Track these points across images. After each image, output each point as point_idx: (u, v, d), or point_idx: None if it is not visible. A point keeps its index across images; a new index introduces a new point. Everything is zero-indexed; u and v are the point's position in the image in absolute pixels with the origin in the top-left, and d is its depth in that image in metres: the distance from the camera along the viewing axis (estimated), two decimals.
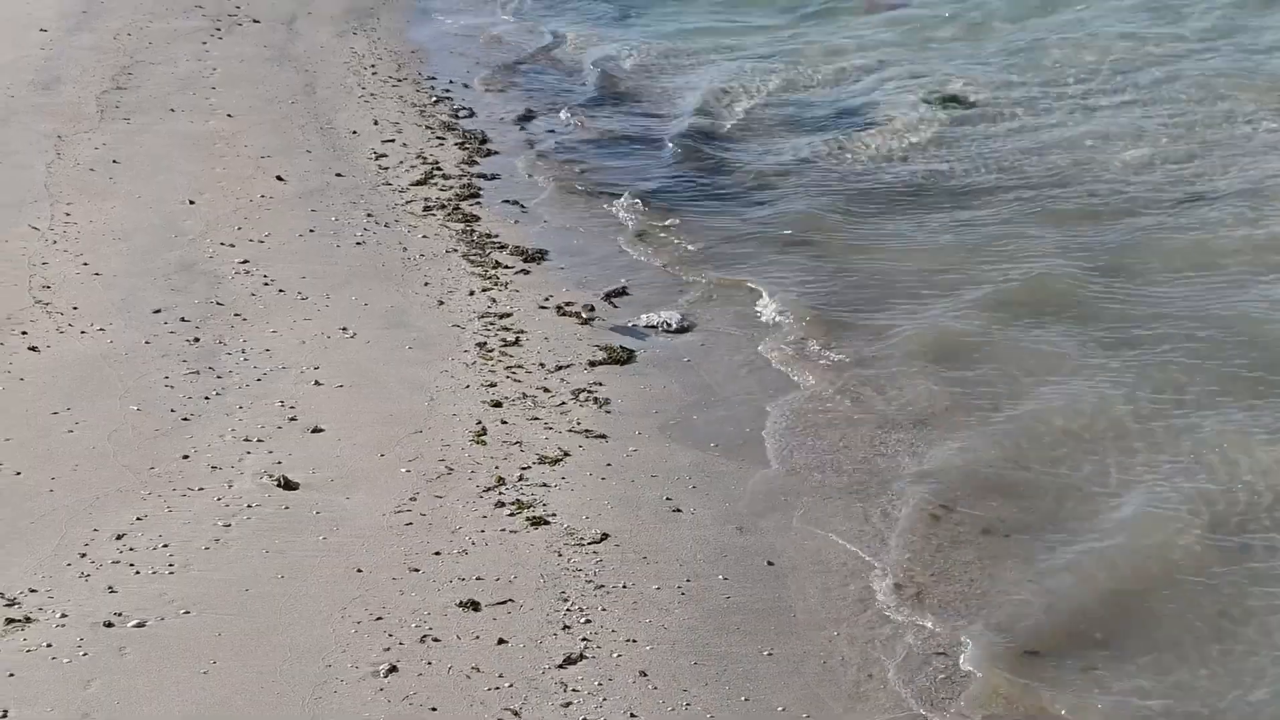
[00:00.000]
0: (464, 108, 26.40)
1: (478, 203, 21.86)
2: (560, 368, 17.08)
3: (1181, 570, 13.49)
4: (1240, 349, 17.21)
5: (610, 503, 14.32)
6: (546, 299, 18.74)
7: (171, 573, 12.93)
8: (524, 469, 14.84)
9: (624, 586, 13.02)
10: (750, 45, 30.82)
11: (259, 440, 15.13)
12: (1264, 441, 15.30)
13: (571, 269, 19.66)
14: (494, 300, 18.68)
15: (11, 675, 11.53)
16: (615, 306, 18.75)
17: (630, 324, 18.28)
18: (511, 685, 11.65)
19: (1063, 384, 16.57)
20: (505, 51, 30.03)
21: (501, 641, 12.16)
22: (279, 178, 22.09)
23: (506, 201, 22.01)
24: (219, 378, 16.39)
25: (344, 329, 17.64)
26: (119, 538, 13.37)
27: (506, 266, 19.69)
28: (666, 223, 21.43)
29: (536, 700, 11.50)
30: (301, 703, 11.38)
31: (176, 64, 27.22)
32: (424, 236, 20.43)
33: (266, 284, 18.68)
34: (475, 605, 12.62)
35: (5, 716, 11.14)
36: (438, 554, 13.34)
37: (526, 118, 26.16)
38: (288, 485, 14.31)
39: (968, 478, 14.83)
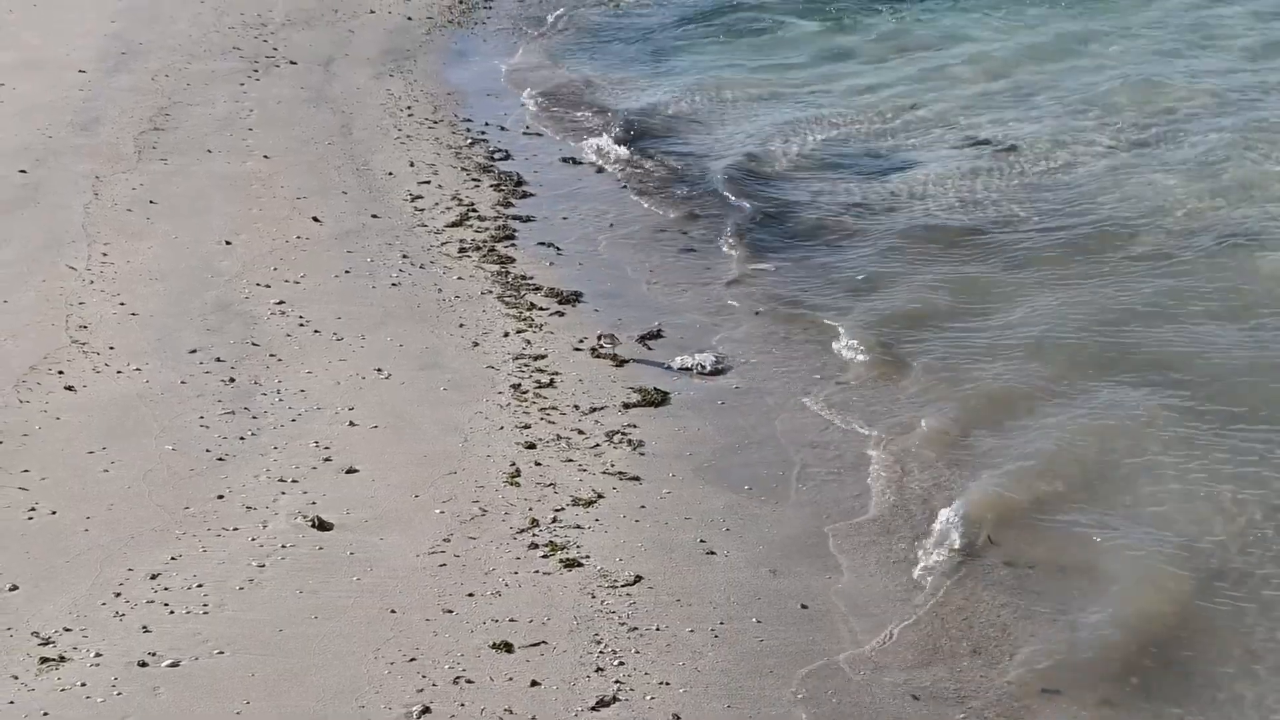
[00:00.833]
0: (500, 149, 26.46)
1: (513, 244, 21.89)
2: (594, 409, 17.08)
3: (1207, 609, 13.45)
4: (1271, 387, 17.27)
5: (644, 545, 14.30)
6: (581, 341, 18.76)
7: (206, 612, 12.95)
8: (558, 511, 14.84)
9: (657, 629, 13.00)
10: (783, 87, 30.81)
11: (293, 481, 15.16)
12: None
13: (606, 311, 19.67)
14: (528, 342, 18.70)
15: (46, 715, 11.56)
16: (650, 349, 18.75)
17: (665, 366, 18.28)
18: None
19: (1097, 423, 16.57)
20: (540, 94, 30.07)
21: (534, 684, 12.15)
22: (315, 219, 22.16)
23: (542, 243, 22.03)
24: (254, 418, 16.44)
25: (379, 370, 17.67)
26: (154, 577, 13.40)
27: (541, 308, 19.72)
28: (704, 265, 21.41)
29: None
30: None
31: (214, 105, 27.35)
32: (459, 278, 20.47)
33: (302, 324, 18.73)
34: (509, 647, 12.61)
35: None
36: (471, 595, 13.34)
37: (563, 159, 26.19)
38: (322, 526, 14.33)
39: (998, 516, 14.81)
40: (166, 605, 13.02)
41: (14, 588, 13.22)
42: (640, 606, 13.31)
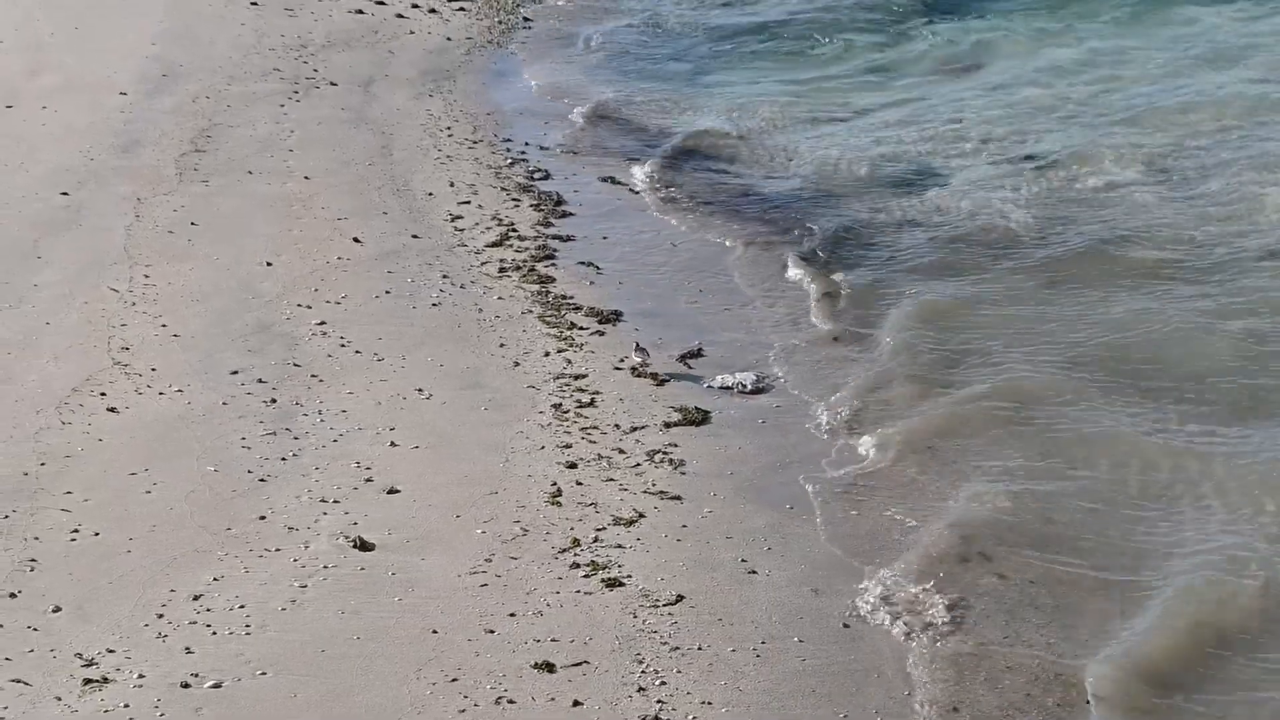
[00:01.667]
0: (539, 169, 26.46)
1: (553, 264, 21.89)
2: (635, 429, 17.07)
3: (1245, 624, 13.44)
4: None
5: (685, 564, 14.29)
6: (622, 360, 18.74)
7: (248, 633, 12.98)
8: (599, 530, 14.84)
9: (699, 648, 12.99)
10: (819, 105, 30.70)
11: (335, 501, 15.19)
12: None
13: (647, 330, 19.64)
14: (569, 361, 18.70)
15: None
16: (690, 368, 18.73)
17: (706, 385, 18.26)
18: None
19: (1126, 440, 16.59)
20: (580, 113, 30.07)
21: (577, 704, 12.15)
22: (356, 239, 22.20)
23: (582, 263, 22.02)
24: (295, 439, 16.47)
25: (420, 390, 17.69)
26: (196, 598, 13.44)
27: (582, 328, 19.72)
28: (743, 284, 21.42)
29: None
30: None
31: (255, 127, 27.42)
32: (499, 298, 20.49)
33: (343, 345, 18.76)
34: (550, 667, 12.61)
35: None
36: (513, 615, 13.34)
37: (602, 179, 26.17)
38: (364, 546, 14.35)
39: (1033, 532, 14.89)
40: (209, 626, 13.05)
41: (57, 609, 13.27)
42: (682, 626, 13.30)
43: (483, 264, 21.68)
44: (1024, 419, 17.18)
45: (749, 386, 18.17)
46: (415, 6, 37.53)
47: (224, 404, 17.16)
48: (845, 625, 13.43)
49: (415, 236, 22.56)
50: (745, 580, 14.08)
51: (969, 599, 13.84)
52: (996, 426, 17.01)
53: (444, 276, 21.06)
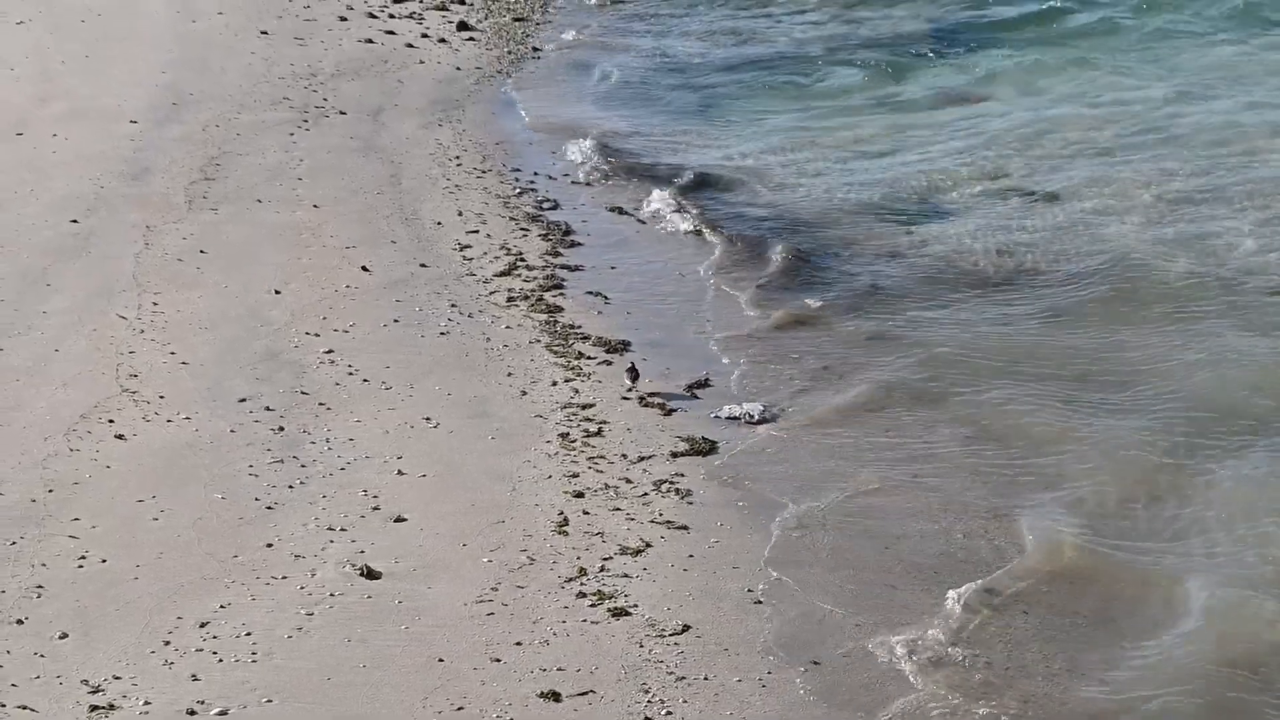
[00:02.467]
0: (548, 199, 26.51)
1: (561, 293, 21.92)
2: (642, 458, 17.09)
3: (1268, 655, 13.43)
4: None
5: (692, 594, 14.30)
6: (629, 390, 18.76)
7: (254, 661, 12.99)
8: (606, 560, 14.85)
9: (705, 678, 12.99)
10: (828, 136, 30.70)
11: (342, 529, 15.21)
12: None
13: (654, 360, 19.66)
14: (576, 391, 18.73)
15: None
16: (698, 398, 18.76)
17: (713, 415, 18.27)
18: None
19: (1133, 465, 16.60)
20: (590, 143, 30.10)
21: None
22: (364, 268, 22.24)
23: (590, 292, 22.05)
24: (303, 466, 16.49)
25: (427, 419, 17.72)
26: (203, 625, 13.45)
27: (589, 357, 19.74)
28: (750, 315, 21.44)
29: None
30: None
31: (264, 155, 27.49)
32: (507, 327, 20.52)
33: (351, 373, 18.79)
34: (556, 696, 12.62)
35: None
36: (519, 644, 13.35)
37: (611, 209, 26.20)
38: (370, 574, 14.36)
39: (1043, 561, 14.85)
40: (215, 653, 13.06)
41: (64, 635, 13.29)
42: (688, 656, 13.31)
43: (491, 293, 21.71)
44: (1022, 447, 17.28)
45: (756, 416, 18.18)
46: (425, 36, 37.64)
47: (232, 431, 17.19)
48: (850, 656, 13.43)
49: (423, 265, 22.60)
50: (751, 610, 14.09)
51: (984, 636, 13.84)
52: (993, 455, 17.10)
53: (452, 305, 21.09)
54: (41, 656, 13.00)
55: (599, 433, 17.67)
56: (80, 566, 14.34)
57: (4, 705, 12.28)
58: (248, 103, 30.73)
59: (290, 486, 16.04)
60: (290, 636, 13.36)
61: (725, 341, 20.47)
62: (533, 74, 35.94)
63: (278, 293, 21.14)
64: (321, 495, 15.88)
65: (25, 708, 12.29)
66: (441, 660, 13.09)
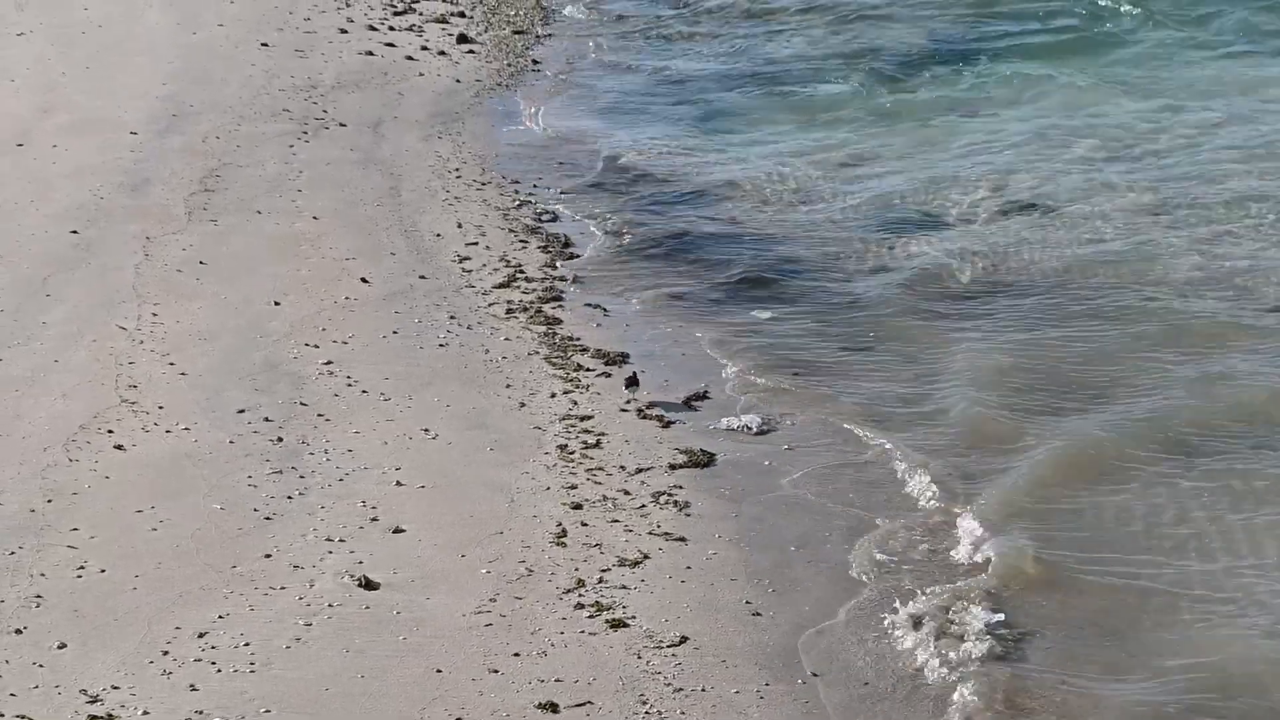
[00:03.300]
0: (547, 211, 26.52)
1: (560, 305, 21.94)
2: (641, 470, 17.11)
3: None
4: None
5: (690, 605, 14.33)
6: (628, 402, 18.79)
7: (253, 671, 13.01)
8: (604, 571, 14.87)
9: (703, 690, 13.02)
10: (825, 148, 30.67)
11: (341, 540, 15.23)
12: None
13: (653, 372, 19.68)
14: (575, 403, 18.75)
15: None
16: (696, 410, 18.79)
17: (711, 427, 18.30)
18: None
19: (1143, 493, 16.57)
20: (589, 157, 30.13)
21: None
22: (363, 279, 22.27)
23: (589, 305, 22.07)
24: (302, 477, 16.52)
25: (426, 430, 17.75)
26: (201, 636, 13.48)
27: (588, 369, 19.76)
28: (745, 325, 21.45)
29: None
30: None
31: (264, 166, 27.51)
32: (506, 339, 20.54)
33: (350, 385, 18.82)
34: (554, 707, 12.64)
35: None
36: (517, 655, 13.37)
37: (609, 221, 26.18)
38: (369, 585, 14.38)
39: (1047, 583, 14.87)
40: (214, 664, 13.09)
41: (63, 645, 13.31)
42: (686, 667, 13.33)
43: (490, 305, 21.73)
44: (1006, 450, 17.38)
45: (754, 429, 18.21)
46: (425, 49, 37.66)
47: (230, 442, 17.22)
48: (849, 669, 13.45)
49: (423, 277, 22.62)
50: (749, 622, 14.12)
51: (979, 647, 13.88)
52: (990, 466, 17.13)
53: (451, 317, 21.12)
54: (40, 666, 13.02)
55: (597, 444, 17.69)
56: (79, 576, 14.37)
57: (3, 715, 12.30)
58: (248, 114, 30.74)
59: (289, 497, 16.06)
60: (289, 647, 13.38)
61: (723, 355, 20.43)
62: (533, 87, 35.94)
63: (277, 304, 21.17)
64: (320, 506, 15.91)
65: (24, 717, 12.31)
66: (439, 671, 13.11)
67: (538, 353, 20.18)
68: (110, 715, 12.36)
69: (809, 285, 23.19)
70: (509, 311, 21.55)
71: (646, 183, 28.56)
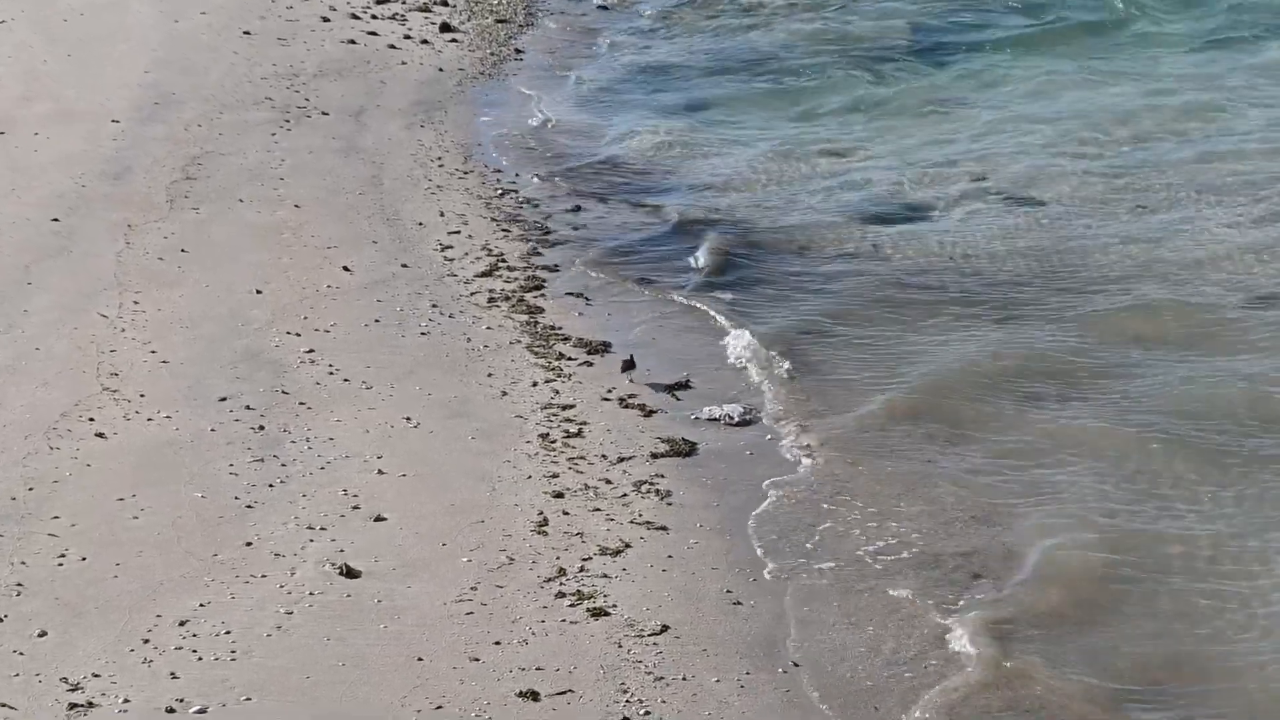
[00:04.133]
0: (530, 199, 26.52)
1: (542, 294, 21.94)
2: (622, 459, 17.13)
3: None
4: None
5: (671, 594, 14.34)
6: (609, 391, 18.81)
7: (234, 659, 13.01)
8: (585, 560, 14.89)
9: (684, 679, 13.03)
10: (810, 139, 30.68)
11: (322, 528, 15.23)
12: None
13: (635, 361, 19.68)
14: (557, 392, 18.76)
15: None
16: (678, 399, 18.80)
17: (693, 416, 18.31)
18: None
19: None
20: (574, 144, 30.13)
21: None
22: (345, 268, 22.25)
23: (570, 294, 22.07)
24: (283, 465, 16.51)
25: (407, 419, 17.74)
26: (182, 624, 13.47)
27: (570, 358, 19.77)
28: (727, 315, 21.45)
29: None
30: None
31: (246, 155, 27.47)
32: (488, 328, 20.54)
33: (331, 373, 18.81)
34: (535, 695, 12.65)
35: None
36: (498, 643, 13.38)
37: (591, 209, 26.18)
38: (350, 573, 14.39)
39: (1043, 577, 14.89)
40: (195, 652, 13.09)
41: (43, 633, 13.30)
42: (667, 656, 13.35)
43: (472, 294, 21.72)
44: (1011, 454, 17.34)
45: (736, 418, 18.23)
46: (408, 37, 37.62)
47: (212, 430, 17.21)
48: (830, 656, 13.48)
49: (405, 266, 22.61)
50: (730, 611, 14.14)
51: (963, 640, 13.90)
52: (984, 456, 17.15)
53: (433, 306, 21.11)
54: (20, 654, 13.02)
55: (579, 433, 17.71)
56: (60, 564, 14.36)
57: None
58: (230, 102, 30.70)
59: (270, 485, 16.06)
60: (269, 635, 13.39)
61: (706, 344, 20.46)
62: (516, 75, 35.92)
63: (259, 292, 21.15)
64: (301, 494, 15.91)
65: (3, 705, 12.30)
66: (420, 659, 13.12)
67: (519, 341, 20.19)
68: (91, 703, 12.36)
69: (789, 274, 23.20)
70: (491, 300, 21.55)
71: (627, 170, 28.58)
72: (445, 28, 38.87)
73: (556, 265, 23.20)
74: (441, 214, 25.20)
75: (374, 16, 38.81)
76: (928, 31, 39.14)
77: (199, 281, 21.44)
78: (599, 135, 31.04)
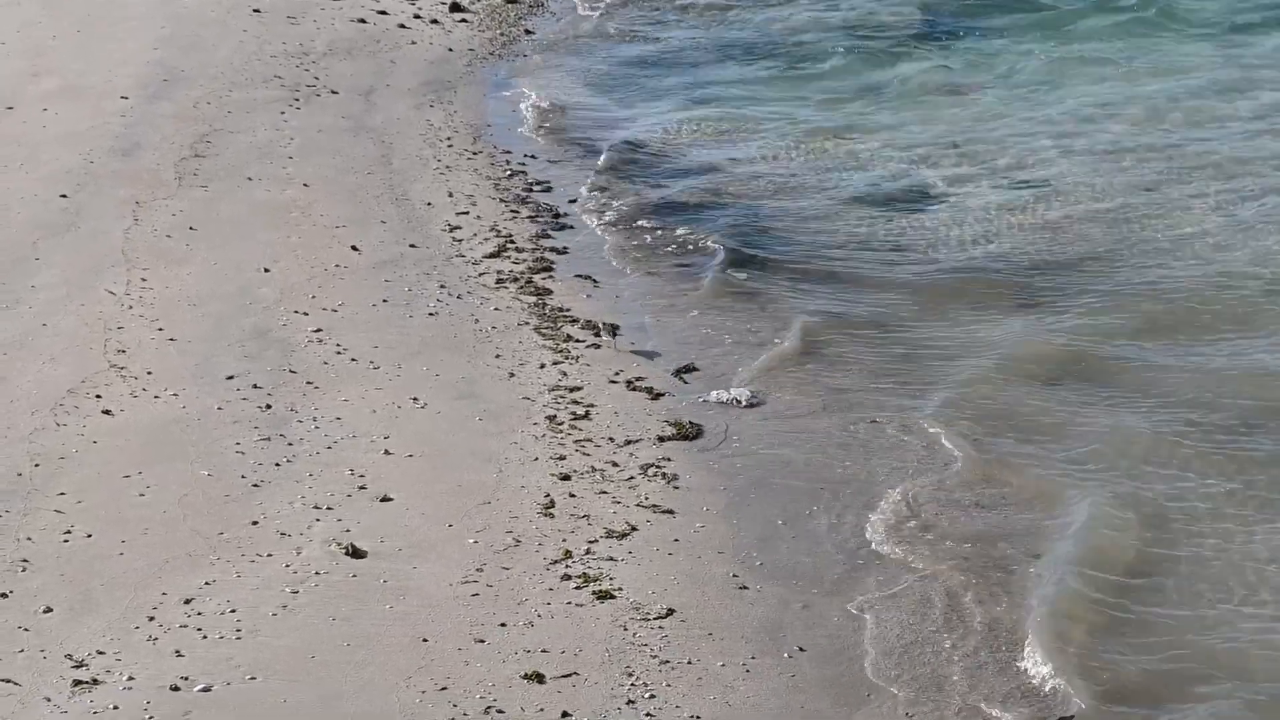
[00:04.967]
0: (539, 181, 26.49)
1: (550, 276, 21.91)
2: (629, 442, 17.10)
3: None
4: None
5: (676, 578, 14.32)
6: (617, 373, 18.78)
7: (239, 638, 13.00)
8: (591, 542, 14.86)
9: (689, 662, 13.02)
10: (819, 125, 30.58)
11: (328, 508, 15.21)
12: None
13: (642, 344, 19.68)
14: (564, 374, 18.73)
15: None
16: (685, 382, 18.77)
17: (701, 399, 18.28)
18: None
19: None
20: (583, 126, 30.11)
21: (565, 715, 12.19)
22: (353, 247, 22.23)
23: (579, 275, 22.05)
24: (290, 445, 16.49)
25: (415, 399, 17.72)
26: (187, 602, 13.46)
27: (578, 340, 19.74)
28: (737, 297, 21.42)
29: None
30: None
31: (255, 133, 27.45)
32: (496, 309, 20.51)
33: (339, 353, 18.79)
34: (540, 678, 12.63)
35: None
36: (504, 625, 13.37)
37: (600, 193, 26.15)
38: (356, 553, 14.37)
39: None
40: (200, 630, 13.08)
41: (49, 610, 13.30)
42: (672, 639, 13.33)
43: (480, 275, 21.70)
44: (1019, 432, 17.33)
45: (743, 401, 18.19)
46: (417, 17, 37.59)
47: (219, 408, 17.19)
48: (834, 641, 13.46)
49: (413, 246, 22.59)
50: (736, 595, 14.12)
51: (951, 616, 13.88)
52: (986, 442, 17.12)
53: (441, 286, 21.08)
54: (26, 630, 13.01)
55: (586, 415, 17.68)
56: (66, 541, 14.35)
57: None
58: (239, 80, 30.69)
59: (277, 464, 16.04)
60: (275, 614, 13.37)
61: (713, 328, 20.43)
62: (525, 56, 35.91)
63: (267, 271, 21.13)
64: (308, 474, 15.89)
65: (9, 680, 12.30)
66: (425, 640, 13.10)
67: (527, 323, 20.16)
68: (95, 680, 12.35)
69: (798, 258, 23.17)
70: (499, 281, 21.52)
71: (636, 153, 28.56)
72: (455, 7, 38.85)
73: (565, 247, 23.19)
74: (450, 194, 25.17)
75: None
76: (939, 15, 39.14)
77: (207, 259, 21.43)
78: (609, 117, 31.05)
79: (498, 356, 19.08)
